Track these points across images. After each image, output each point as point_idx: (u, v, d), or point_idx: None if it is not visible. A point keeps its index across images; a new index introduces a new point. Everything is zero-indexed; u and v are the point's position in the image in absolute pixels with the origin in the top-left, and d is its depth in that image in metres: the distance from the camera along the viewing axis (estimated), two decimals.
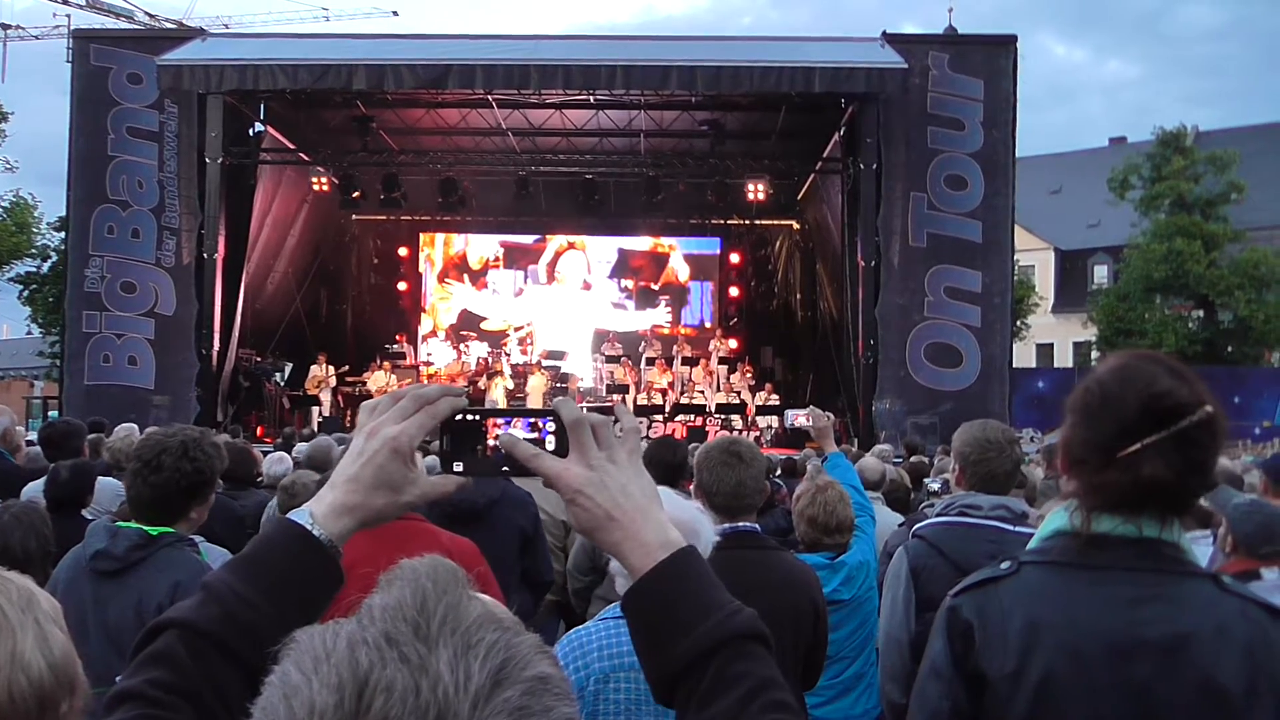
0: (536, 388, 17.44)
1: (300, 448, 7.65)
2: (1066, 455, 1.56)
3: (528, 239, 22.95)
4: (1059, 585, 1.49)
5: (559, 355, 19.96)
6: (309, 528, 1.04)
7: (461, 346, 20.20)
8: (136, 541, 2.67)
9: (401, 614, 0.65)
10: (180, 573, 2.63)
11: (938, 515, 3.11)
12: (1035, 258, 41.56)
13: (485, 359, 19.51)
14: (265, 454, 6.94)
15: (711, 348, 20.20)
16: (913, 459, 9.22)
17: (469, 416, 1.11)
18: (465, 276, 23.11)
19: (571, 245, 22.91)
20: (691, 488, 3.00)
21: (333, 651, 0.63)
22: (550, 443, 1.09)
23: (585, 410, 1.08)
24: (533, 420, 1.11)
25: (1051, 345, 40.96)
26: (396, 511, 1.09)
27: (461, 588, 0.69)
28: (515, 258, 23.10)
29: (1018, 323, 28.30)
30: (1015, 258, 16.75)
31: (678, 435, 15.96)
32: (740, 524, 2.86)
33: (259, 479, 6.22)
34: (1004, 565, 1.55)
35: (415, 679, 0.60)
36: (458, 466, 1.10)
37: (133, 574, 2.64)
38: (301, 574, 1.01)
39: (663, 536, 1.02)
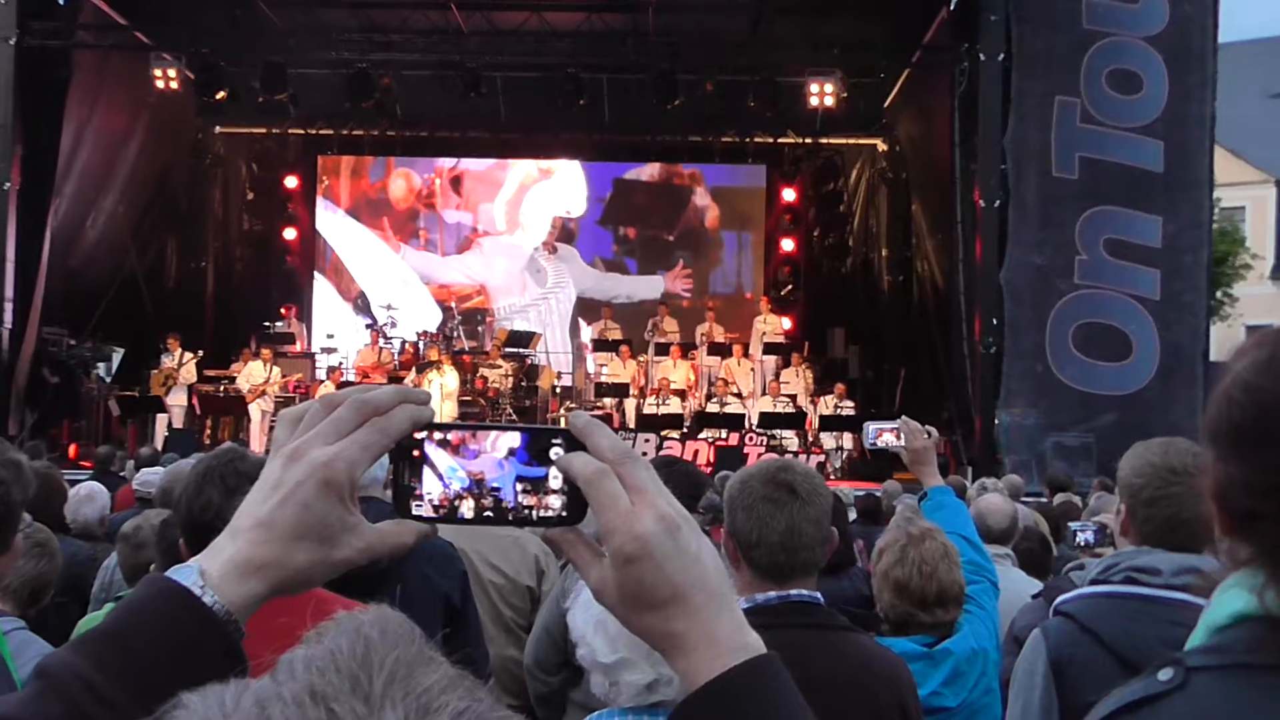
0: (450, 391, 17.24)
1: (144, 475, 7.64)
2: (1224, 507, 1.52)
3: (479, 164, 22.96)
4: (1249, 705, 1.45)
5: (525, 338, 19.96)
6: (197, 592, 1.05)
7: (381, 324, 20.20)
8: None
9: (334, 665, 0.68)
10: None
11: (1092, 582, 3.11)
12: (1246, 195, 41.48)
13: (415, 344, 19.52)
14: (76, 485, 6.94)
15: (755, 329, 20.19)
16: (1057, 498, 9.25)
17: (437, 435, 1.13)
18: (385, 219, 23.12)
19: (544, 173, 22.91)
20: (721, 538, 3.01)
21: (233, 713, 0.65)
22: (556, 481, 1.11)
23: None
24: (531, 438, 1.12)
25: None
26: (326, 573, 1.11)
27: (419, 645, 0.72)
28: (461, 192, 23.11)
29: (1218, 293, 28.27)
30: (1215, 196, 16.74)
31: (702, 460, 15.95)
32: (793, 591, 2.86)
33: (70, 524, 6.23)
34: (1164, 674, 1.52)
35: None
36: (418, 508, 1.12)
37: None
38: (184, 658, 1.01)
39: (740, 636, 1.06)
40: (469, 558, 4.54)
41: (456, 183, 23.15)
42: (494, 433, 1.14)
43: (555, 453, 1.11)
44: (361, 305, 22.36)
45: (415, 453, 1.12)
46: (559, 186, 23.00)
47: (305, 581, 1.10)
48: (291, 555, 1.08)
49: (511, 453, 1.12)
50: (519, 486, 1.12)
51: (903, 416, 4.32)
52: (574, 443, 1.10)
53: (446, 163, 23.07)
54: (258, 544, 1.07)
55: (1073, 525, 6.32)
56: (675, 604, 1.05)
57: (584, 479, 1.06)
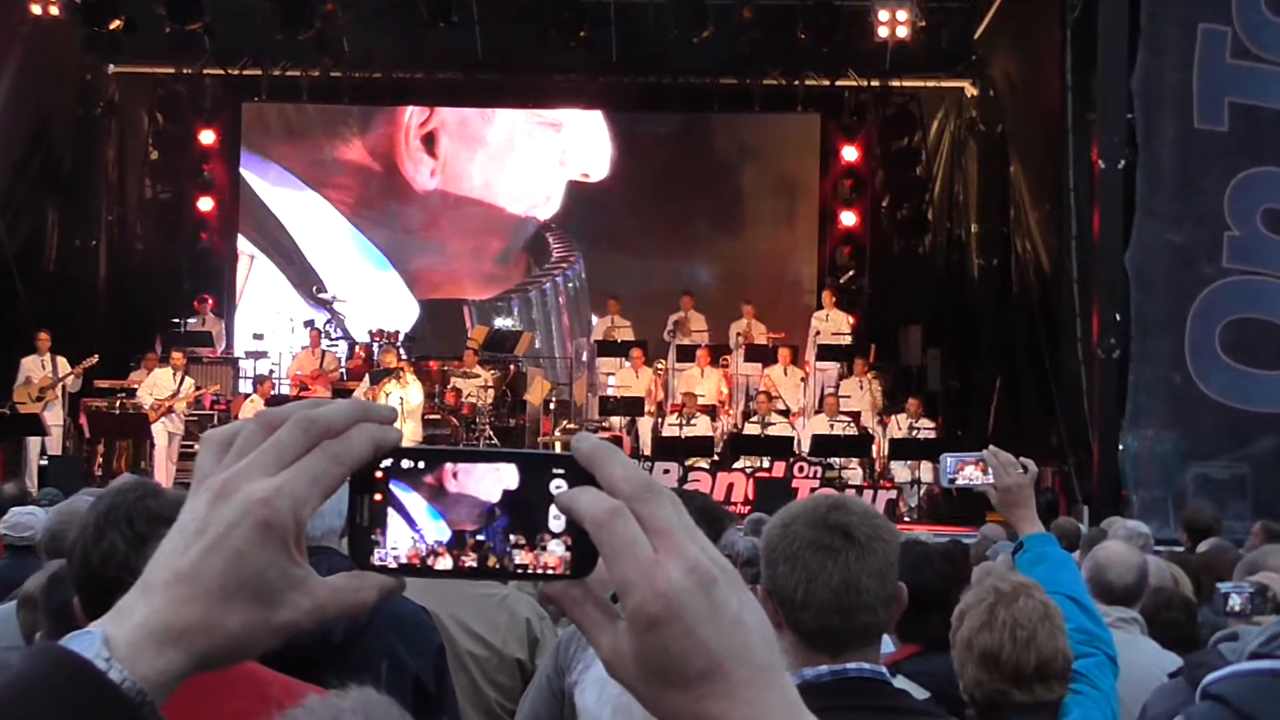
0: (413, 408, 17.07)
1: (15, 516, 7.66)
2: None
3: (450, 115, 22.96)
4: None
5: (510, 339, 19.98)
6: (101, 665, 1.04)
7: (323, 324, 20.23)
8: None
9: None
10: None
11: (1250, 656, 3.14)
12: None
13: (367, 346, 19.56)
14: None
15: (812, 330, 20.15)
16: (1201, 547, 9.23)
17: (406, 463, 1.13)
18: (330, 187, 23.13)
19: (541, 125, 22.90)
20: (760, 595, 3.04)
21: None
22: (557, 524, 1.11)
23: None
24: (525, 469, 1.13)
25: None
26: (265, 640, 1.10)
27: None
28: (428, 151, 23.09)
29: None
30: None
31: (738, 495, 15.96)
32: (850, 665, 2.88)
33: None
34: None
35: None
36: (380, 556, 1.13)
37: None
38: None
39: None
40: (441, 624, 4.52)
41: (421, 139, 23.17)
42: (480, 464, 1.13)
43: (556, 487, 1.10)
44: (313, 294, 22.30)
45: (378, 496, 1.12)
46: (558, 142, 22.98)
47: (238, 651, 1.08)
48: (222, 618, 1.06)
49: (507, 495, 1.11)
50: (512, 538, 1.11)
51: (990, 447, 4.30)
52: (580, 473, 1.09)
53: (408, 113, 23.06)
54: (178, 604, 1.06)
55: (1222, 586, 6.29)
56: (710, 679, 1.04)
57: (593, 520, 1.05)
